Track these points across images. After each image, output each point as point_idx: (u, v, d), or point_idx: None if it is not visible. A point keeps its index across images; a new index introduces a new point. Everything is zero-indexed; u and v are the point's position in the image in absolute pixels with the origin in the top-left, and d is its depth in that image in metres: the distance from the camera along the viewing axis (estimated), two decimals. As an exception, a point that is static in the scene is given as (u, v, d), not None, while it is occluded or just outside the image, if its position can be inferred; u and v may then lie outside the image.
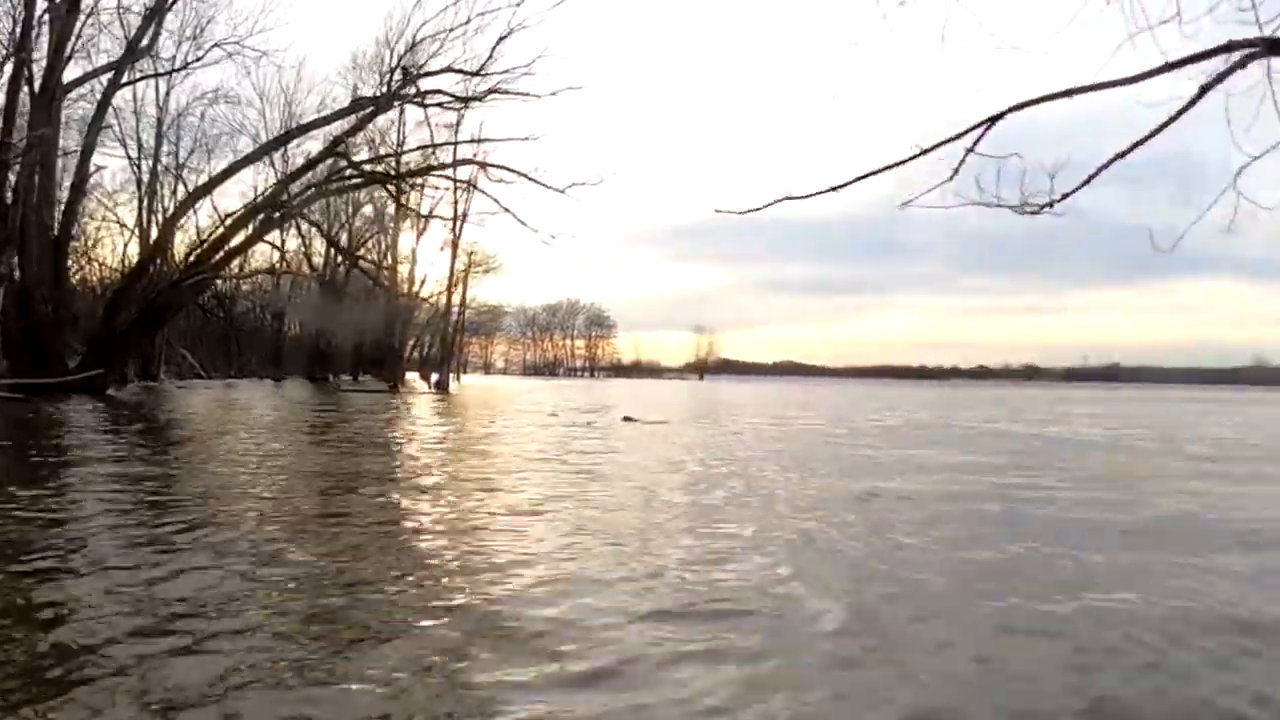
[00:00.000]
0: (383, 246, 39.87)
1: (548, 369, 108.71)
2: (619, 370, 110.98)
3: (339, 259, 38.36)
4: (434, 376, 34.09)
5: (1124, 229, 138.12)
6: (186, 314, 36.62)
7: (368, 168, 17.13)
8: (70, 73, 18.04)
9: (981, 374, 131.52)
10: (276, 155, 21.76)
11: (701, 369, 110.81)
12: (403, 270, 34.72)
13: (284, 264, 24.03)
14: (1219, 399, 43.38)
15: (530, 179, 18.91)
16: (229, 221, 16.04)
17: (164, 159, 26.83)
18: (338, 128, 16.83)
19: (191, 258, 16.31)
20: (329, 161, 18.06)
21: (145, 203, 26.09)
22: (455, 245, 29.03)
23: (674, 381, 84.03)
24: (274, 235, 30.42)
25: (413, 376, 40.61)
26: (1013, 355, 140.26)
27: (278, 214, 16.80)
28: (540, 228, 19.48)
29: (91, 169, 17.67)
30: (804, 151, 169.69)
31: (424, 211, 32.90)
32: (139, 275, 16.98)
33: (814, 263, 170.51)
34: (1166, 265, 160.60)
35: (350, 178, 18.66)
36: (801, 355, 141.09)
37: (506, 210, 18.89)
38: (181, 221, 26.52)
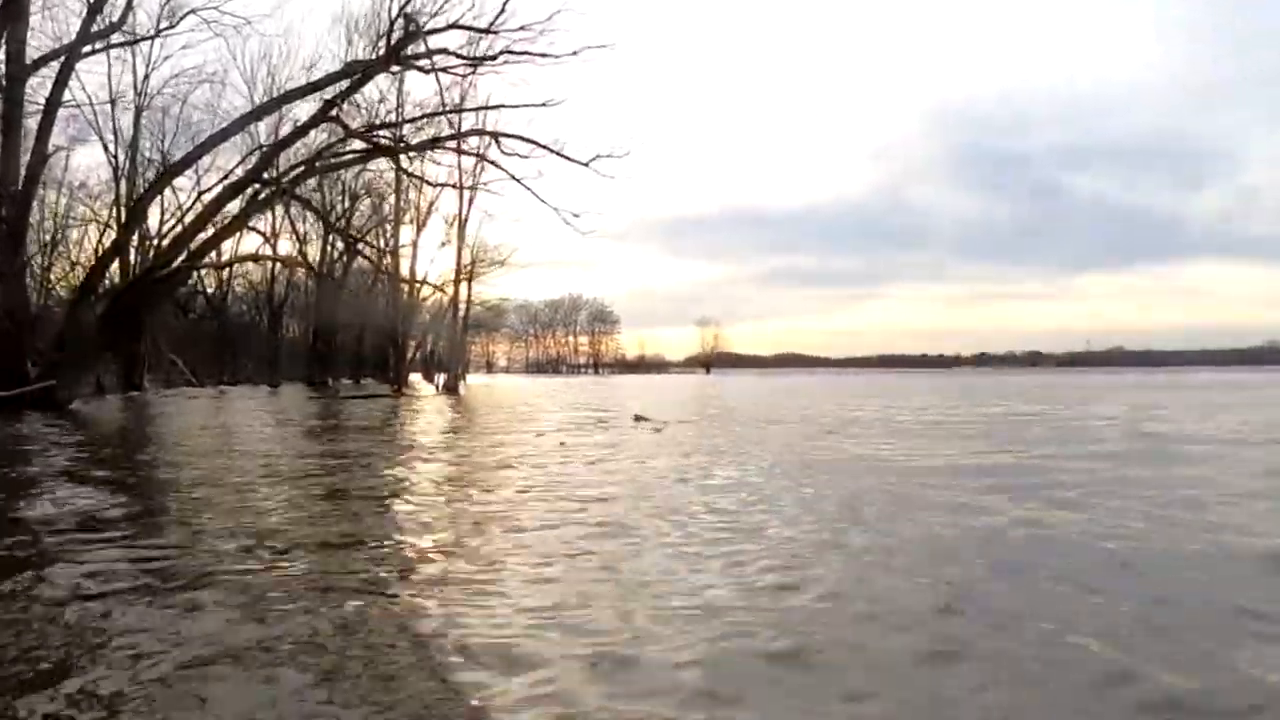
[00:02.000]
0: (382, 241, 37.71)
1: (550, 366, 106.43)
2: (624, 366, 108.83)
3: (337, 253, 36.21)
4: (440, 377, 31.86)
5: (1122, 212, 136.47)
6: (176, 317, 34.52)
7: (368, 135, 14.77)
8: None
9: (984, 361, 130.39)
10: (265, 137, 19.48)
11: (707, 363, 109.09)
12: (403, 264, 32.39)
13: (273, 249, 21.62)
14: (1264, 382, 41.10)
15: (550, 150, 16.70)
16: (207, 201, 13.78)
17: (144, 151, 24.62)
18: (331, 94, 14.58)
19: (164, 244, 14.04)
20: (323, 134, 15.85)
21: (124, 196, 23.85)
22: (461, 232, 26.72)
23: (680, 377, 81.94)
24: (264, 226, 28.27)
25: (414, 378, 38.36)
26: (1013, 342, 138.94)
27: (266, 192, 14.53)
28: (560, 207, 17.31)
29: (51, 149, 15.41)
30: (804, 142, 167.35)
31: (430, 192, 30.70)
32: (104, 268, 14.69)
33: (811, 253, 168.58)
34: (1168, 248, 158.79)
35: (346, 153, 16.40)
36: (801, 346, 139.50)
37: (521, 183, 16.70)
38: (168, 221, 24.44)
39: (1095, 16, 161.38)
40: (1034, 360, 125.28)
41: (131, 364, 24.38)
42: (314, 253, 36.07)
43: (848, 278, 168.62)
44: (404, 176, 26.64)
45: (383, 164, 28.49)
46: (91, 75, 24.23)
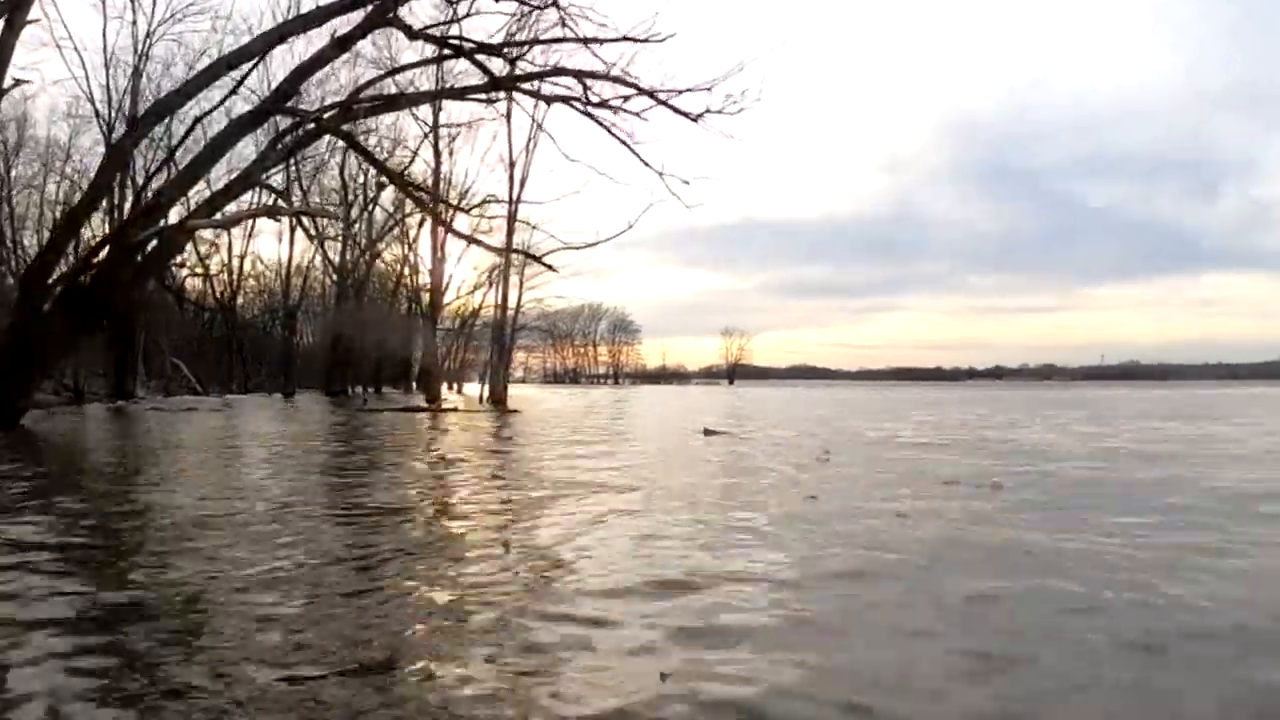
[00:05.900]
0: (404, 246, 34.20)
1: (569, 376, 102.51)
2: (644, 377, 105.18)
3: (357, 251, 32.51)
4: (479, 388, 27.98)
5: (1136, 223, 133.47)
6: (182, 320, 30.85)
7: (451, 40, 10.62)
8: None
9: (998, 374, 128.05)
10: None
11: (731, 374, 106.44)
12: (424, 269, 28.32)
13: (288, 204, 17.60)
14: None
15: (656, 98, 12.91)
16: (205, 144, 9.91)
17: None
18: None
19: (148, 199, 10.20)
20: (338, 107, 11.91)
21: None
22: (513, 214, 22.75)
23: (705, 388, 78.37)
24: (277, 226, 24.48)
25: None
26: (1027, 354, 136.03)
27: (290, 136, 10.61)
28: (663, 171, 13.46)
29: (9, 83, 11.65)
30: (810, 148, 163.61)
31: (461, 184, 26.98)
32: (68, 236, 10.72)
33: (822, 265, 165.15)
34: (1183, 260, 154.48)
35: (395, 98, 12.57)
36: (812, 358, 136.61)
37: (620, 138, 12.94)
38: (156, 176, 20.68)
39: (1112, 27, 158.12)
40: (1048, 374, 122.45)
41: (122, 368, 20.66)
42: (333, 255, 32.52)
43: (859, 289, 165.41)
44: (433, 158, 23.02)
45: (421, 146, 24.86)
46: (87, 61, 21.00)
